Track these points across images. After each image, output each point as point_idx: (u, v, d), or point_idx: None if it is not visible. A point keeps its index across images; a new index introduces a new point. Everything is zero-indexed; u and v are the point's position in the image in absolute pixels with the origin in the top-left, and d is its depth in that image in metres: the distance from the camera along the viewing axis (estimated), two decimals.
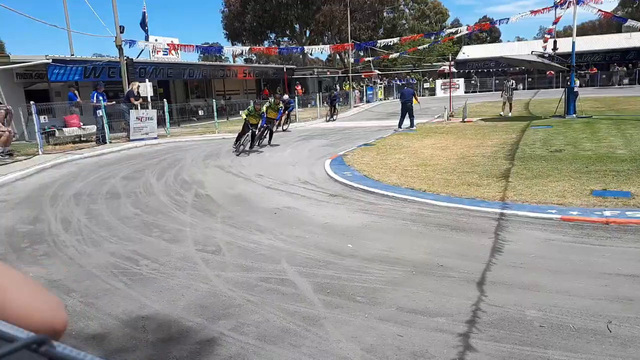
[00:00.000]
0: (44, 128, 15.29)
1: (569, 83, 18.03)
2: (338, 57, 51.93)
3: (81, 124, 16.56)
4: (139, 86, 17.78)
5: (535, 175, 8.21)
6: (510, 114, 19.79)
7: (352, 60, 38.56)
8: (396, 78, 43.75)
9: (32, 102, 14.06)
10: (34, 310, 0.53)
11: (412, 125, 17.32)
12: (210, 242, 5.82)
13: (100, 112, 16.20)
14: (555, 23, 23.53)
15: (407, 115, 17.40)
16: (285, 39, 55.19)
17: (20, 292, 0.53)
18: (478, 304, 3.87)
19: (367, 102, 35.64)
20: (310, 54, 37.31)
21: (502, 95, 20.90)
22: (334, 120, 23.51)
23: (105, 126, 16.30)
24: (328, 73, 43.23)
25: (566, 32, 40.02)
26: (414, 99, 17.49)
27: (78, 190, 9.16)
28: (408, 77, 44.23)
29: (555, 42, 23.58)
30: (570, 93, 17.49)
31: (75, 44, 24.96)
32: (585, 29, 55.52)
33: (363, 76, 42.47)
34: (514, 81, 21.95)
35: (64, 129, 16.09)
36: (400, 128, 17.27)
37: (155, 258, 5.33)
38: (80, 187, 9.46)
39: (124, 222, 6.85)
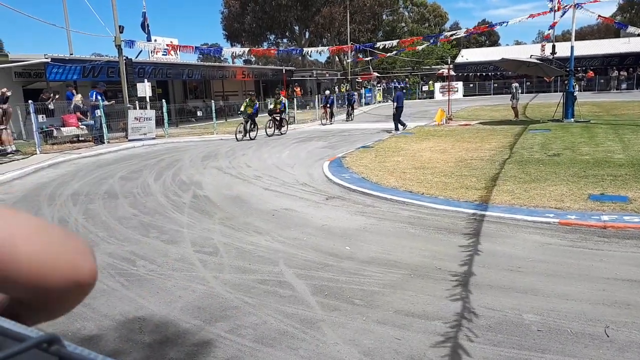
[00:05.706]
0: (42, 127, 15.25)
1: (567, 87, 18.07)
2: (337, 59, 52.00)
3: (79, 123, 16.53)
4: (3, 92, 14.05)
5: (534, 179, 8.22)
6: (515, 118, 19.52)
7: (349, 60, 38.58)
8: (395, 80, 43.79)
9: (30, 101, 14.03)
10: (51, 261, 0.46)
11: (396, 129, 17.13)
12: (208, 243, 5.81)
13: (98, 112, 16.18)
14: (552, 27, 23.58)
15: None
16: (285, 40, 55.31)
17: (32, 242, 0.45)
18: (476, 308, 3.87)
19: (366, 104, 35.66)
20: (309, 56, 37.37)
21: (511, 100, 19.90)
22: (331, 124, 22.21)
23: (104, 126, 16.28)
24: (327, 75, 43.27)
25: (565, 37, 40.18)
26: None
27: (76, 190, 9.13)
28: (406, 80, 44.30)
29: (553, 46, 23.61)
30: (569, 97, 17.51)
31: (74, 43, 24.91)
32: (584, 34, 55.75)
33: (361, 79, 42.50)
34: (517, 84, 20.27)
35: (62, 128, 16.05)
36: (398, 131, 17.18)
37: (153, 259, 5.31)
38: (77, 187, 9.44)
39: (122, 223, 6.83)
